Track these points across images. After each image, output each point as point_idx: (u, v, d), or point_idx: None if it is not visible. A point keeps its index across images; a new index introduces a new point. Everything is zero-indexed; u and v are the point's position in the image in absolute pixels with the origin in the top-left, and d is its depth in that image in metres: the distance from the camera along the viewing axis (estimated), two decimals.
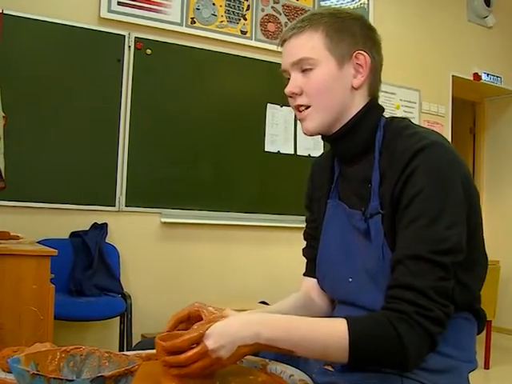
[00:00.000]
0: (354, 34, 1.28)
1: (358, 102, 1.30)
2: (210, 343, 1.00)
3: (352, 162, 1.32)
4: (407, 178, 1.13)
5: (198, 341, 1.00)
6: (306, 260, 1.53)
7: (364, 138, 1.28)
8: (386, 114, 1.34)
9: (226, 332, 1.02)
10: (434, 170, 1.12)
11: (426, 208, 1.10)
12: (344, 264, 1.30)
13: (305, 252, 1.53)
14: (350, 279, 1.27)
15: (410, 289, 1.06)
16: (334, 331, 1.06)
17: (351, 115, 1.29)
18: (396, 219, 1.15)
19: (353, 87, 1.28)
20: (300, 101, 1.29)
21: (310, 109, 1.29)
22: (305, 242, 1.54)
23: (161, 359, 1.03)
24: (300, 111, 1.31)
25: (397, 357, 1.05)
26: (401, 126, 1.26)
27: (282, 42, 1.32)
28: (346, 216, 1.30)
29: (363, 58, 1.28)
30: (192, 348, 1.00)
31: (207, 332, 1.01)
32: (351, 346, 1.04)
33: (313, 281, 1.47)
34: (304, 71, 1.27)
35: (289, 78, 1.31)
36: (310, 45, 1.26)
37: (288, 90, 1.29)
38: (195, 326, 1.05)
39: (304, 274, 1.53)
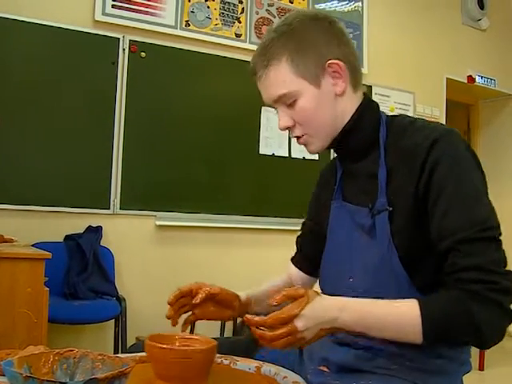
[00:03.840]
0: (316, 45, 1.25)
1: (349, 104, 1.30)
2: (300, 325, 1.06)
3: (357, 159, 1.32)
4: (431, 169, 1.14)
5: (290, 320, 1.05)
6: (296, 248, 1.60)
7: (367, 136, 1.29)
8: None
9: (313, 315, 1.08)
10: (456, 157, 1.14)
11: (459, 193, 1.12)
12: (346, 263, 1.30)
13: (298, 241, 1.60)
14: (351, 279, 1.28)
15: (472, 269, 1.08)
16: (407, 313, 1.10)
17: (347, 119, 1.29)
18: (429, 210, 1.15)
19: (337, 95, 1.28)
20: (296, 132, 1.30)
21: (306, 136, 1.30)
22: (301, 232, 1.60)
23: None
24: (298, 138, 1.32)
25: (471, 333, 1.07)
26: (406, 121, 1.27)
27: (254, 77, 1.30)
28: (350, 215, 1.31)
29: (336, 65, 1.25)
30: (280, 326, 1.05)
31: (301, 313, 1.06)
32: (424, 327, 1.08)
33: (296, 270, 1.58)
34: (288, 104, 1.26)
35: (276, 108, 1.31)
36: (280, 80, 1.24)
37: (281, 125, 1.30)
38: (288, 306, 1.08)
39: (291, 260, 1.61)
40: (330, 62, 1.24)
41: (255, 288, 1.57)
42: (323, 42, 1.25)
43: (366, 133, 1.29)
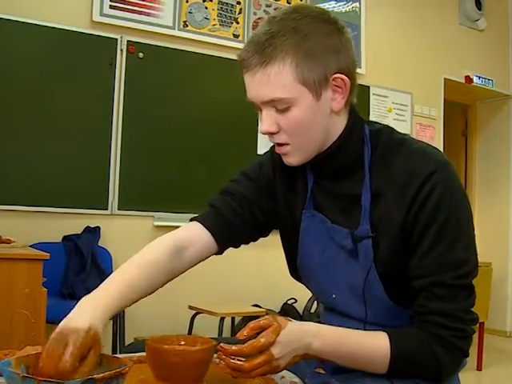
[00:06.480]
0: (324, 54, 1.12)
1: (340, 122, 1.20)
2: (276, 352, 1.03)
3: (335, 178, 1.24)
4: (421, 204, 1.11)
5: (266, 348, 1.02)
6: (212, 206, 1.34)
7: (351, 156, 1.21)
8: (378, 118, 1.31)
9: (288, 342, 1.05)
10: (447, 193, 1.11)
11: (444, 233, 1.11)
12: (326, 280, 1.27)
13: (219, 200, 1.34)
14: (334, 295, 1.26)
15: (441, 314, 1.11)
16: (377, 347, 1.11)
17: (335, 137, 1.20)
18: (412, 244, 1.14)
19: (332, 111, 1.17)
20: (278, 139, 1.18)
21: (290, 146, 1.18)
22: (220, 195, 1.37)
23: (224, 363, 1.02)
24: (279, 146, 1.20)
25: (431, 373, 1.12)
26: (393, 140, 1.20)
27: (244, 70, 1.16)
28: (325, 228, 1.25)
29: (341, 80, 1.14)
30: (256, 355, 1.02)
31: (276, 340, 1.03)
32: (391, 362, 1.10)
33: (201, 233, 1.29)
34: (279, 109, 1.14)
35: (259, 108, 1.19)
36: (280, 82, 1.10)
37: (264, 129, 1.16)
38: (262, 333, 1.04)
39: (198, 219, 1.32)
40: (336, 75, 1.13)
41: (122, 292, 1.17)
42: (332, 50, 1.13)
43: (349, 155, 1.20)
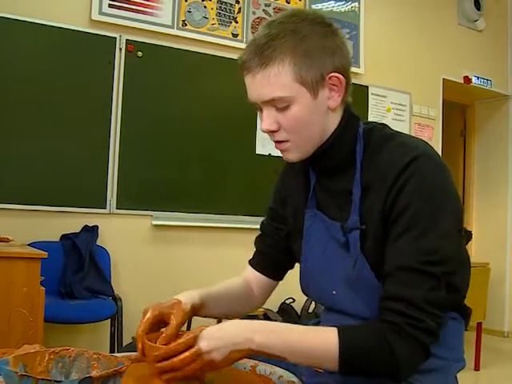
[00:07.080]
0: (321, 53, 1.17)
1: (336, 119, 1.25)
2: (203, 345, 1.02)
3: (332, 175, 1.29)
4: (398, 192, 1.12)
5: (192, 344, 1.02)
6: (256, 249, 1.56)
7: (345, 152, 1.25)
8: (377, 118, 1.33)
9: (219, 335, 1.04)
10: (424, 182, 1.11)
11: (416, 221, 1.10)
12: (327, 276, 1.28)
13: (257, 243, 1.56)
14: (334, 292, 1.27)
15: (400, 300, 1.07)
16: (326, 341, 1.07)
17: (329, 133, 1.24)
18: (386, 233, 1.14)
19: (329, 108, 1.22)
20: (279, 137, 1.23)
21: (289, 143, 1.23)
22: (261, 232, 1.56)
23: (154, 365, 1.03)
24: (279, 143, 1.25)
25: (388, 367, 1.06)
26: (383, 136, 1.23)
27: (245, 72, 1.21)
28: (325, 226, 1.29)
29: (337, 79, 1.19)
30: (186, 351, 1.02)
31: (201, 334, 1.03)
32: (341, 356, 1.06)
33: (256, 273, 1.52)
34: (279, 108, 1.19)
35: (259, 108, 1.24)
36: (279, 82, 1.15)
37: (265, 128, 1.22)
38: (190, 333, 1.05)
39: (249, 262, 1.55)
40: (332, 74, 1.19)
41: (208, 289, 1.42)
42: (329, 51, 1.18)
43: (343, 151, 1.25)
